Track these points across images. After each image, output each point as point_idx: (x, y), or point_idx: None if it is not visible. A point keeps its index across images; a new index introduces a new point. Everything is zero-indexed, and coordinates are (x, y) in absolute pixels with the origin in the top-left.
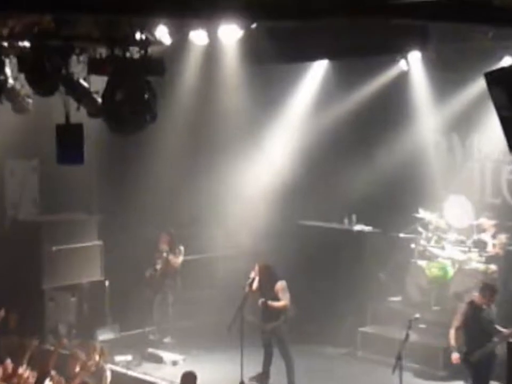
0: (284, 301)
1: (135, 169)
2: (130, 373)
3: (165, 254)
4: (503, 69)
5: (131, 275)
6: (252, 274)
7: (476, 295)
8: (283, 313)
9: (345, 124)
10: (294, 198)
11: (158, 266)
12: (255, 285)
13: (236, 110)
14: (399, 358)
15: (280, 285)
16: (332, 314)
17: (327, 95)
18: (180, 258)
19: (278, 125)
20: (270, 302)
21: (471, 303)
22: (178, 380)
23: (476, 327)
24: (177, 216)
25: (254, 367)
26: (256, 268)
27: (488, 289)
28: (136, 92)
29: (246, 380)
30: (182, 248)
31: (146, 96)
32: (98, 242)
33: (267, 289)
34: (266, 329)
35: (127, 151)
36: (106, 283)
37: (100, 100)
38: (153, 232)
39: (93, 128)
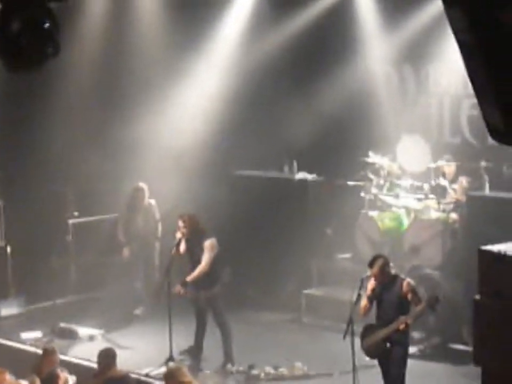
0: (204, 261)
1: (35, 117)
2: (39, 351)
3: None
4: None
5: (36, 239)
6: (178, 235)
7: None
8: (216, 277)
9: (281, 59)
10: (227, 145)
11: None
12: (182, 246)
13: (152, 46)
14: (350, 322)
15: (210, 243)
16: (273, 276)
17: (258, 27)
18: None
19: (204, 64)
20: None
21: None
22: (95, 358)
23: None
24: (86, 171)
25: (185, 339)
26: (180, 223)
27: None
28: (35, 20)
29: (175, 355)
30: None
31: (47, 24)
32: None
33: (195, 246)
34: (199, 297)
35: (26, 94)
36: (8, 249)
37: None
38: (59, 189)
39: None
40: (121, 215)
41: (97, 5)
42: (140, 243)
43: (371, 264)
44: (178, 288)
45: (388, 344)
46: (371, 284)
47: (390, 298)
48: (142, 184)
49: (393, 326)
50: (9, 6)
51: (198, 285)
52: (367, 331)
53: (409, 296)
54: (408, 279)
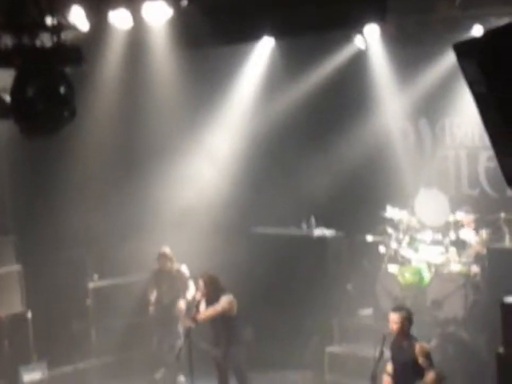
0: (220, 304)
1: (53, 179)
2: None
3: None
4: (473, 39)
5: (56, 304)
6: (198, 296)
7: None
8: (236, 336)
9: (297, 114)
10: (243, 201)
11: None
12: (202, 306)
13: (168, 103)
14: (373, 378)
15: (227, 298)
16: (294, 334)
17: (274, 80)
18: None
19: (220, 117)
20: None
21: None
22: None
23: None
24: (105, 233)
25: None
26: (201, 283)
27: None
28: (50, 86)
29: None
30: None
31: (62, 89)
32: (16, 267)
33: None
34: (216, 355)
35: (43, 158)
36: (29, 314)
37: (8, 98)
38: (79, 252)
39: (1, 133)
40: (150, 279)
41: (111, 69)
42: (163, 308)
43: (396, 310)
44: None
45: None
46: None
47: (404, 360)
48: (165, 249)
49: None
50: (25, 72)
51: (219, 342)
52: None
53: (421, 360)
54: (423, 343)
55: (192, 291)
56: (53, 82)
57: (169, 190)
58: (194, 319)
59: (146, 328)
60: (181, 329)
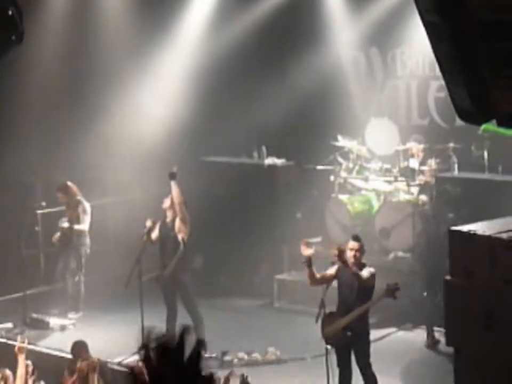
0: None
1: (4, 105)
2: (11, 342)
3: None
4: None
5: (5, 230)
6: (148, 223)
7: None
8: (184, 262)
9: (249, 44)
10: (194, 131)
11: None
12: (154, 234)
13: (118, 34)
14: (322, 305)
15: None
16: (244, 262)
17: (226, 7)
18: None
19: (170, 46)
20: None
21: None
22: (68, 348)
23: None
24: (54, 161)
25: (157, 327)
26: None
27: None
28: None
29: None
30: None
31: (10, 12)
32: None
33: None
34: (165, 275)
35: None
36: None
37: None
38: (28, 180)
39: None
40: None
41: None
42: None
43: (355, 239)
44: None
45: (349, 333)
46: (336, 266)
47: (351, 284)
48: (67, 182)
49: (353, 314)
50: None
51: (166, 265)
52: (328, 319)
53: (368, 282)
54: (371, 269)
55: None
56: (1, 4)
57: (119, 121)
58: (148, 240)
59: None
60: (74, 264)
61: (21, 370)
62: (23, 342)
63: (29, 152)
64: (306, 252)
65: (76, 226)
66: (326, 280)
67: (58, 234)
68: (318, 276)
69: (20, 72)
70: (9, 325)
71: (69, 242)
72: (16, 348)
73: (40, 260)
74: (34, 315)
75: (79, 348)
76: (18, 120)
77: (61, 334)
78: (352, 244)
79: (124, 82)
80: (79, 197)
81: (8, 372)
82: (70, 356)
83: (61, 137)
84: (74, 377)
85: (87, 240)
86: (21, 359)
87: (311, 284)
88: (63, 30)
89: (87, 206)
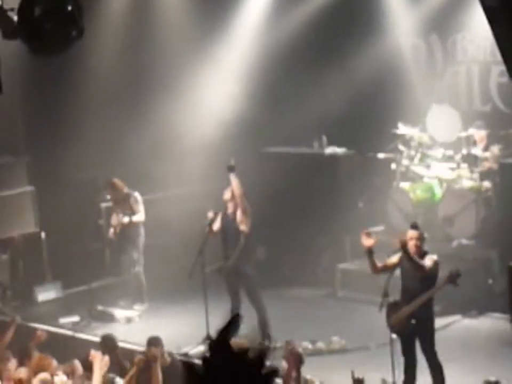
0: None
1: (64, 102)
2: (78, 335)
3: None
4: None
5: (69, 224)
6: (210, 214)
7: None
8: (248, 253)
9: (307, 32)
10: (255, 121)
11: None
12: (216, 225)
13: (177, 30)
14: (385, 294)
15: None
16: (307, 252)
17: (283, 2)
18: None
19: (230, 43)
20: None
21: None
22: (133, 340)
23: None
24: (117, 154)
25: (221, 318)
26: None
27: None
28: (58, 4)
29: (212, 333)
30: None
31: (69, 8)
32: (29, 188)
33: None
34: (228, 266)
35: (53, 79)
36: (42, 235)
37: (15, 18)
38: (90, 173)
39: (11, 53)
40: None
41: None
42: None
43: (413, 227)
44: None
45: (413, 321)
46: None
47: (414, 272)
48: (114, 179)
49: (417, 302)
50: None
51: (229, 256)
52: (392, 308)
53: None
54: (434, 256)
55: (142, 214)
56: (60, 1)
57: (180, 114)
58: (210, 231)
59: (163, 248)
60: (135, 255)
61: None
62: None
63: (90, 146)
64: (367, 242)
65: (134, 218)
66: (389, 269)
67: (111, 230)
68: (380, 264)
69: (79, 67)
70: (76, 318)
71: (126, 235)
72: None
73: (105, 252)
74: (100, 307)
75: (106, 341)
76: (78, 115)
77: (126, 326)
78: (412, 233)
79: (183, 76)
80: (126, 190)
81: (77, 363)
82: (136, 347)
83: (121, 131)
84: (134, 370)
85: (142, 231)
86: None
87: (373, 272)
88: (122, 25)
89: (138, 195)
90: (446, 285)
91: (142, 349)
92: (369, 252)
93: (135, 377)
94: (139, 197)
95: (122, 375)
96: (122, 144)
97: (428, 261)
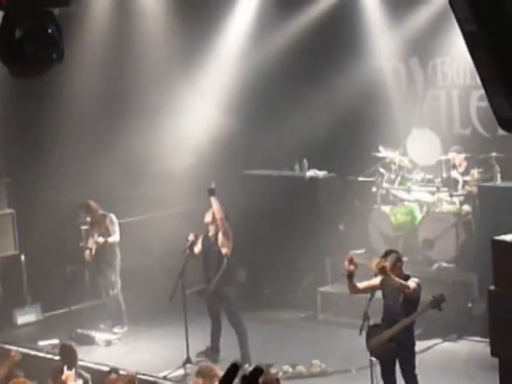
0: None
1: (43, 124)
2: (57, 358)
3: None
4: None
5: (49, 246)
6: (191, 237)
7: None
8: (228, 276)
9: (289, 55)
10: (236, 146)
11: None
12: (197, 248)
13: (159, 48)
14: (366, 317)
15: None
16: (287, 275)
17: (265, 21)
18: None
19: (211, 65)
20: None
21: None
22: (113, 363)
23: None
24: (98, 178)
25: (201, 341)
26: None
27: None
28: (39, 27)
29: (192, 356)
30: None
31: (50, 31)
32: (9, 210)
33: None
34: (209, 289)
35: (33, 102)
36: (22, 257)
37: None
38: (71, 196)
39: None
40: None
41: (100, 9)
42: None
43: (384, 257)
44: None
45: (394, 344)
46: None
47: (396, 295)
48: (89, 202)
49: (399, 326)
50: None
51: (210, 279)
52: (373, 331)
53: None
54: (415, 279)
55: (117, 235)
56: (42, 23)
57: (160, 136)
58: (191, 254)
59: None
60: (113, 277)
61: None
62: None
63: (70, 168)
64: (349, 267)
65: (110, 239)
66: (369, 290)
67: (87, 252)
68: (360, 286)
69: (59, 91)
70: (55, 340)
71: (103, 256)
72: (64, 377)
73: (85, 275)
74: (80, 330)
75: (65, 350)
76: (59, 137)
77: (106, 349)
78: (383, 263)
79: (163, 99)
80: (101, 211)
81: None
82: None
83: (101, 154)
84: None
85: (118, 252)
86: None
87: (351, 293)
88: (101, 48)
89: (113, 217)
90: (429, 309)
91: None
92: (350, 275)
93: None
94: (114, 218)
95: None
96: (102, 167)
97: (412, 283)
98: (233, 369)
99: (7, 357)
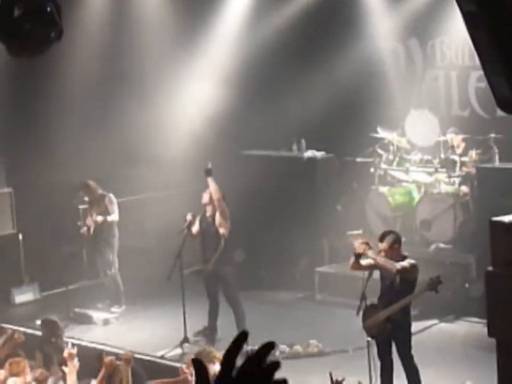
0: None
1: (40, 104)
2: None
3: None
4: None
5: (47, 226)
6: (189, 217)
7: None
8: (226, 256)
9: (287, 36)
10: (234, 126)
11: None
12: (194, 228)
13: (156, 29)
14: (363, 298)
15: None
16: (285, 255)
17: (263, 6)
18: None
19: (209, 46)
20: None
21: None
22: (111, 342)
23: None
24: (95, 158)
25: (199, 320)
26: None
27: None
28: (37, 5)
29: (190, 336)
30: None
31: (49, 9)
32: (7, 190)
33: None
34: (207, 269)
35: (31, 81)
36: (20, 236)
37: None
38: (68, 175)
39: None
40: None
41: None
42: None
43: (381, 239)
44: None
45: (390, 325)
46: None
47: (393, 276)
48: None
49: (395, 307)
50: None
51: (208, 259)
52: (369, 311)
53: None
54: (412, 260)
55: (116, 215)
56: (40, 1)
57: (157, 118)
58: (189, 234)
59: (142, 250)
60: (111, 257)
61: (72, 376)
62: (73, 349)
63: (68, 148)
64: (360, 249)
65: (109, 218)
66: (371, 267)
67: (85, 228)
68: (362, 262)
69: (56, 71)
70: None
71: (101, 235)
72: (66, 354)
73: (83, 254)
74: (78, 310)
75: (47, 325)
76: (56, 117)
77: (104, 328)
78: (380, 245)
79: (160, 80)
80: (101, 191)
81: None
82: (109, 349)
83: (98, 134)
84: (103, 372)
85: (117, 232)
86: (71, 365)
87: (352, 269)
88: (100, 28)
89: (112, 196)
90: (426, 291)
91: (117, 350)
92: (359, 256)
93: (105, 378)
94: (113, 198)
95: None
96: (99, 147)
97: (406, 264)
98: (243, 336)
99: (6, 335)
